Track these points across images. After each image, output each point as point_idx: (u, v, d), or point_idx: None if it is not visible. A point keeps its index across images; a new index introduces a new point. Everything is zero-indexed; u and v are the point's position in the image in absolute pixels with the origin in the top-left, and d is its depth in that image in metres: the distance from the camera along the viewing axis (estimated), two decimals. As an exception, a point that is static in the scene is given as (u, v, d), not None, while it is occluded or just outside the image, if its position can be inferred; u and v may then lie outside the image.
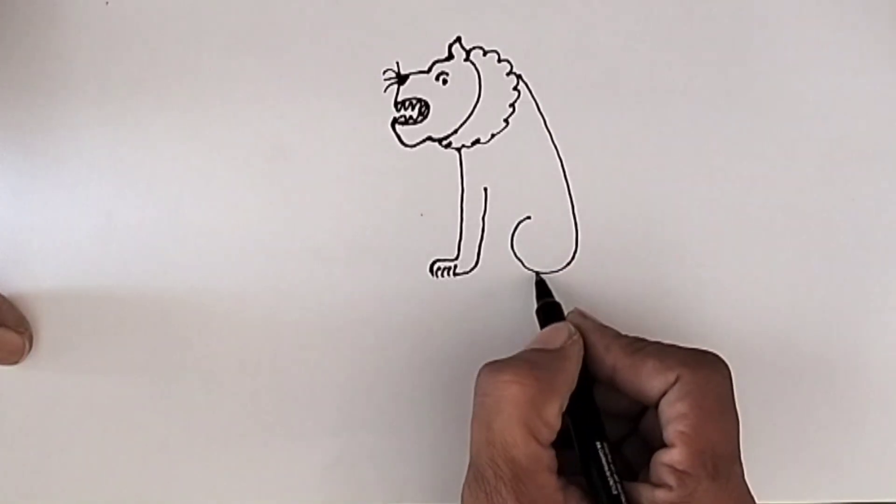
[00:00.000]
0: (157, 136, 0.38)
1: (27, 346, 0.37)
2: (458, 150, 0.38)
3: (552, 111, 0.38)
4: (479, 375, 0.33)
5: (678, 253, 0.39)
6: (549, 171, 0.38)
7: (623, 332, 0.35)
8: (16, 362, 0.37)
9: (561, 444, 0.32)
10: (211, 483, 0.38)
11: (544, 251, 0.38)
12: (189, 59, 0.38)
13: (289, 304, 0.38)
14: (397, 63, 0.38)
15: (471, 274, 0.38)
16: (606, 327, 0.35)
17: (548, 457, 0.32)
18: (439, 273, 0.38)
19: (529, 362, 0.32)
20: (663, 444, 0.32)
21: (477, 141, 0.38)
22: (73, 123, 0.38)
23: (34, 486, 0.38)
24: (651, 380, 0.33)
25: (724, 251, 0.39)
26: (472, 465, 0.32)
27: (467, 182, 0.38)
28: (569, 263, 0.38)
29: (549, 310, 0.36)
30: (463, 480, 0.32)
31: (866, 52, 0.39)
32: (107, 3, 0.38)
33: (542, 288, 0.37)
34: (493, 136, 0.38)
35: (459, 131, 0.38)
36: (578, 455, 0.33)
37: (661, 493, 0.31)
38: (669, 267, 0.38)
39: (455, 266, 0.38)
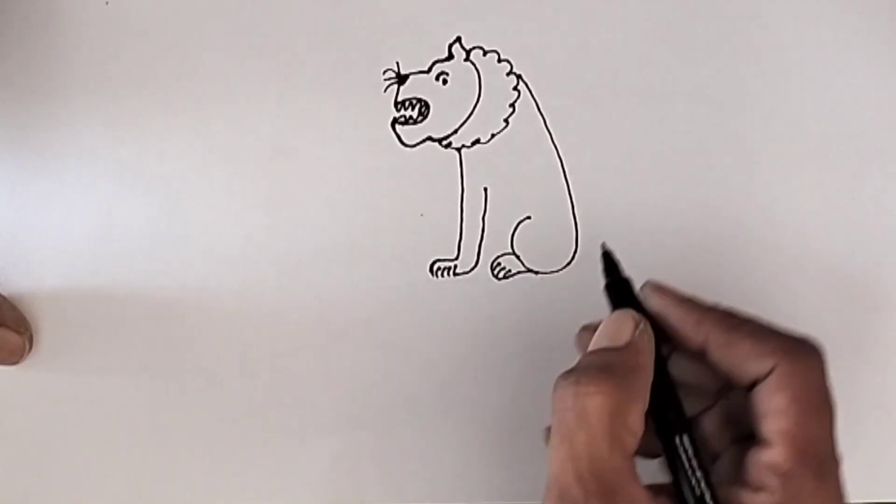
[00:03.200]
0: (157, 136, 0.38)
1: (27, 346, 0.37)
2: (458, 150, 0.38)
3: (552, 111, 0.38)
4: (555, 388, 0.31)
5: (678, 253, 0.39)
6: (549, 171, 0.38)
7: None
8: (16, 362, 0.37)
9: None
10: (211, 483, 0.38)
11: (544, 251, 0.38)
12: (189, 59, 0.38)
13: (289, 304, 0.38)
14: (397, 63, 0.38)
15: (471, 274, 0.38)
16: (690, 299, 0.33)
17: (634, 468, 0.30)
18: (439, 273, 0.38)
19: (607, 368, 0.30)
20: (751, 435, 0.30)
21: (477, 141, 0.38)
22: (73, 123, 0.38)
23: (34, 486, 0.38)
24: (746, 363, 0.31)
25: (723, 251, 0.39)
26: (556, 484, 0.29)
27: (467, 182, 0.38)
28: (569, 263, 0.38)
29: (618, 288, 0.34)
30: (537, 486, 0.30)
31: (866, 52, 0.39)
32: (107, 3, 0.38)
33: (609, 262, 0.35)
34: (493, 136, 0.38)
35: (459, 131, 0.38)
36: (663, 452, 0.31)
37: (763, 497, 0.29)
38: (669, 267, 0.38)
39: (455, 266, 0.38)
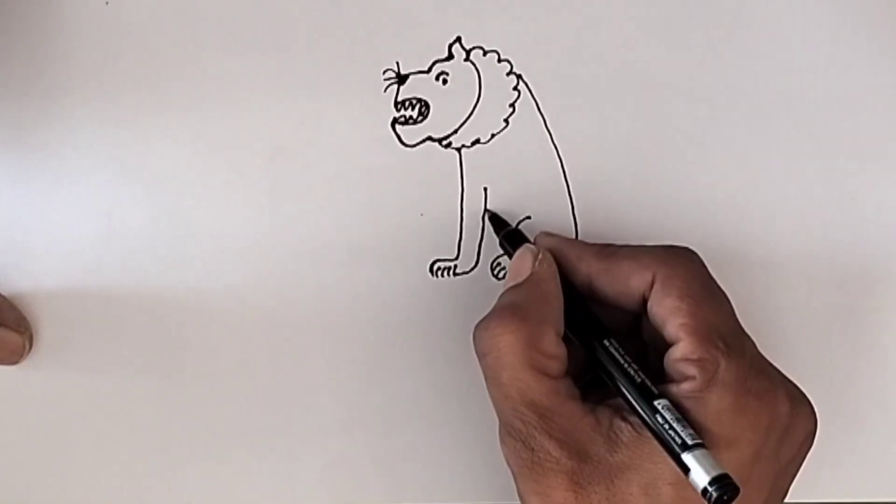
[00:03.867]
0: (157, 136, 0.38)
1: (27, 345, 0.37)
2: (458, 150, 0.38)
3: (552, 111, 0.38)
4: (473, 338, 0.33)
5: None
6: (549, 171, 0.38)
7: None
8: (16, 362, 0.37)
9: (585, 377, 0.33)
10: (211, 483, 0.38)
11: (544, 251, 0.38)
12: (189, 59, 0.38)
13: (289, 304, 0.38)
14: (397, 63, 0.38)
15: (471, 274, 0.38)
16: (575, 240, 0.36)
17: (565, 386, 0.32)
18: (439, 273, 0.38)
19: (511, 306, 0.33)
20: (666, 346, 0.32)
21: (477, 141, 0.38)
22: (73, 123, 0.38)
23: (34, 486, 0.38)
24: (629, 280, 0.33)
25: (723, 250, 0.39)
26: (502, 426, 0.32)
27: (467, 182, 0.38)
28: (569, 263, 0.38)
29: (511, 239, 0.36)
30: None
31: (866, 52, 0.39)
32: (107, 3, 0.38)
33: (496, 221, 0.37)
34: (493, 136, 0.38)
35: (459, 131, 0.38)
36: (594, 363, 0.33)
37: (685, 385, 0.31)
38: (669, 267, 0.38)
39: (455, 266, 0.38)
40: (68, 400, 0.38)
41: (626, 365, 0.32)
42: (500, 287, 0.38)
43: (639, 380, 0.31)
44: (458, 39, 0.38)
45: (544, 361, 0.32)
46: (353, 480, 0.38)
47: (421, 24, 0.38)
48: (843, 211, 0.39)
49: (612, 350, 0.32)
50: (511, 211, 0.38)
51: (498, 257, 0.38)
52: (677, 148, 0.39)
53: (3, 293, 0.37)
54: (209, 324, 0.38)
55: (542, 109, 0.38)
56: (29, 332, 0.37)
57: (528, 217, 0.38)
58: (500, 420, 0.32)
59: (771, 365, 0.33)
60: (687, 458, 0.29)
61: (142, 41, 0.38)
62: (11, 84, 0.38)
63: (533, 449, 0.31)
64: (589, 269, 0.34)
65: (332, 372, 0.38)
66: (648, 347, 0.35)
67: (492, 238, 0.38)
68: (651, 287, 0.33)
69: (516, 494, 0.32)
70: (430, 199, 0.38)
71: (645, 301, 0.33)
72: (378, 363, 0.38)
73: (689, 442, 0.29)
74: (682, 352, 0.31)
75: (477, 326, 0.33)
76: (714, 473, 0.28)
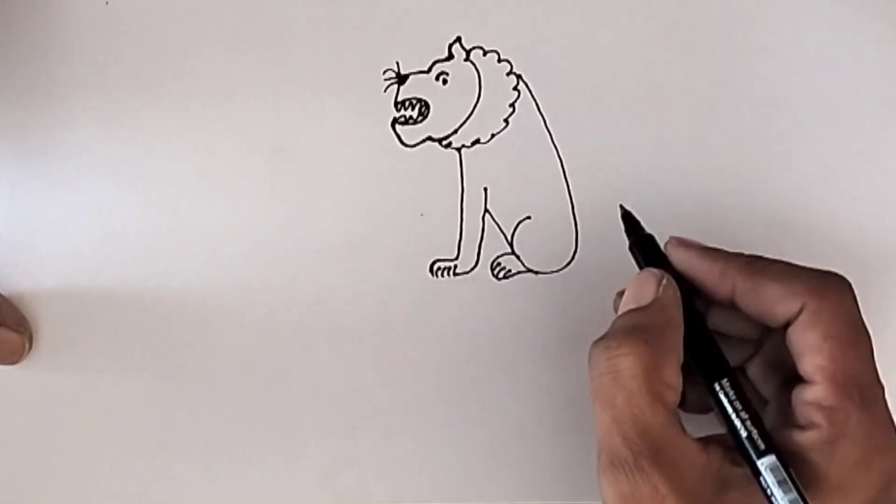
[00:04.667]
0: (157, 136, 0.38)
1: (27, 345, 0.37)
2: (458, 150, 0.38)
3: (552, 111, 0.38)
4: (590, 357, 0.31)
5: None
6: (549, 171, 0.38)
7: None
8: (16, 362, 0.37)
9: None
10: (211, 483, 0.38)
11: (544, 251, 0.38)
12: (189, 59, 0.38)
13: (289, 304, 0.38)
14: (397, 63, 0.38)
15: (471, 274, 0.38)
16: (714, 249, 0.33)
17: (678, 420, 0.30)
18: (439, 273, 0.38)
19: (635, 328, 0.31)
20: (797, 376, 0.31)
21: (477, 141, 0.38)
22: (73, 123, 0.38)
23: (34, 486, 0.38)
24: (774, 306, 0.31)
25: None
26: (604, 450, 0.30)
27: (467, 182, 0.38)
28: (569, 263, 0.38)
29: (642, 245, 0.35)
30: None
31: (866, 52, 0.39)
32: (107, 3, 0.38)
33: (630, 221, 0.35)
34: (493, 136, 0.38)
35: (459, 131, 0.38)
36: (712, 401, 0.32)
37: (812, 434, 0.30)
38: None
39: (455, 266, 0.38)
40: (68, 400, 0.38)
41: (733, 414, 0.30)
42: (500, 287, 0.38)
43: (745, 433, 0.30)
44: (458, 39, 0.38)
45: (664, 390, 0.30)
46: (353, 480, 0.38)
47: (421, 24, 0.38)
48: (843, 211, 0.39)
49: (723, 395, 0.31)
50: (511, 211, 0.38)
51: (498, 257, 0.38)
52: (677, 148, 0.39)
53: (3, 293, 0.37)
54: (209, 324, 0.38)
55: (542, 109, 0.38)
56: (29, 332, 0.37)
57: (529, 217, 0.38)
58: (602, 446, 0.30)
59: (892, 418, 0.31)
60: None
61: (142, 41, 0.38)
62: (11, 84, 0.38)
63: (638, 483, 0.29)
64: (734, 286, 0.32)
65: (332, 372, 0.38)
66: (771, 362, 0.34)
67: (492, 238, 0.38)
68: (797, 316, 0.31)
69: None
70: (430, 199, 0.38)
71: (785, 325, 0.31)
72: (378, 363, 0.38)
73: None
74: (814, 395, 0.30)
75: (594, 344, 0.31)
76: None
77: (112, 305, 0.38)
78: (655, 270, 0.33)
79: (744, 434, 0.30)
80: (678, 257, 0.34)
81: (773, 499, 0.29)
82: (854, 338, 0.31)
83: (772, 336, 0.34)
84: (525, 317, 0.38)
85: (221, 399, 0.38)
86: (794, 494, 0.29)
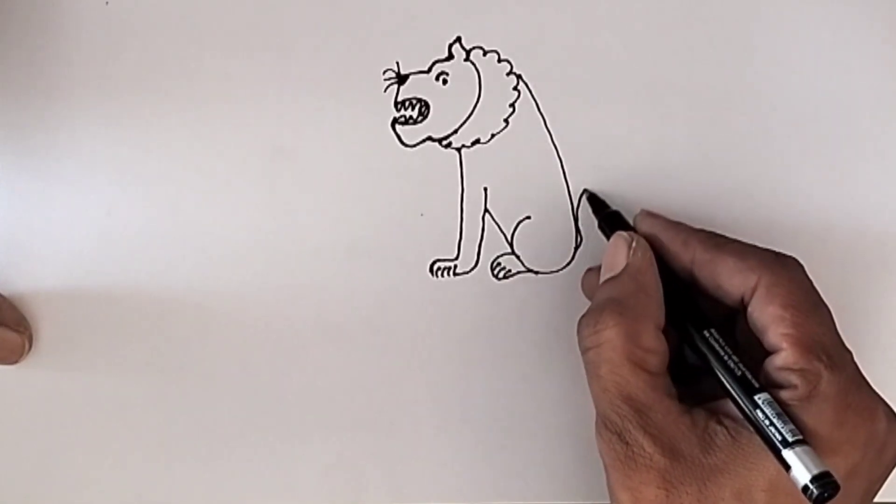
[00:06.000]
0: (157, 136, 0.38)
1: (27, 345, 0.37)
2: (458, 150, 0.38)
3: (552, 111, 0.38)
4: (577, 333, 0.33)
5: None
6: (549, 171, 0.38)
7: None
8: (15, 362, 0.37)
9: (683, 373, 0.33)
10: (211, 483, 0.38)
11: (544, 251, 0.38)
12: (189, 59, 0.38)
13: (289, 304, 0.38)
14: (397, 63, 0.38)
15: (471, 274, 0.38)
16: (679, 223, 0.35)
17: (663, 384, 0.32)
18: (439, 273, 0.38)
19: (610, 302, 0.33)
20: (765, 352, 0.32)
21: (477, 141, 0.38)
22: (73, 123, 0.38)
23: (34, 486, 0.38)
24: (731, 278, 0.33)
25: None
26: (599, 418, 0.32)
27: (467, 182, 0.38)
28: (569, 263, 0.39)
29: (610, 221, 0.36)
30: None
31: (866, 52, 0.39)
32: (107, 3, 0.38)
33: (595, 202, 0.37)
34: (493, 136, 0.38)
35: (459, 131, 0.38)
36: (694, 353, 0.33)
37: (786, 393, 0.31)
38: (669, 267, 0.38)
39: (455, 266, 0.38)
40: (68, 400, 0.38)
41: (726, 357, 0.32)
42: (500, 287, 0.38)
43: (739, 373, 0.31)
44: (458, 39, 0.38)
45: (643, 356, 0.32)
46: (354, 480, 0.38)
47: (421, 24, 0.38)
48: (843, 211, 0.39)
49: (713, 341, 0.32)
50: (511, 211, 0.38)
51: (498, 257, 0.38)
52: (677, 148, 0.39)
53: (3, 293, 0.37)
54: (209, 324, 0.38)
55: (542, 109, 0.38)
56: (29, 332, 0.37)
57: (528, 217, 0.38)
58: (597, 412, 0.33)
59: (867, 381, 0.32)
60: (788, 454, 0.29)
61: (142, 41, 0.38)
62: (11, 84, 0.38)
63: (627, 443, 0.31)
64: (693, 257, 0.34)
65: (331, 372, 0.38)
66: (740, 346, 0.34)
67: (492, 238, 0.38)
68: (753, 291, 0.32)
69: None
70: (430, 199, 0.38)
71: (742, 301, 0.33)
72: (378, 363, 0.38)
73: (790, 438, 0.29)
74: (784, 361, 0.31)
75: (579, 322, 0.33)
76: (815, 471, 0.28)
77: (112, 305, 0.38)
78: (625, 234, 0.35)
79: (738, 374, 0.31)
80: (645, 226, 0.35)
81: (771, 430, 0.29)
82: (812, 305, 0.32)
83: (735, 324, 0.35)
84: (525, 317, 0.38)
85: (221, 399, 0.38)
86: (793, 425, 0.29)
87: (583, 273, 0.38)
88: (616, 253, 0.34)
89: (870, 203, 0.39)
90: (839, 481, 0.28)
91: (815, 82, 0.39)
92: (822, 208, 0.39)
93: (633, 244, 0.34)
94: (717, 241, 0.34)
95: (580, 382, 0.38)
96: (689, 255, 0.34)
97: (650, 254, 0.34)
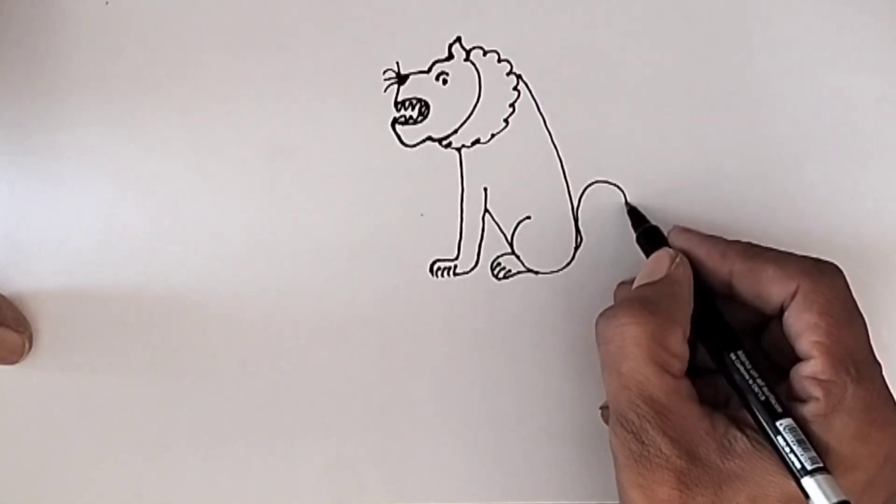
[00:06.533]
0: (157, 136, 0.38)
1: (27, 345, 0.37)
2: (458, 150, 0.38)
3: (552, 111, 0.38)
4: (596, 326, 0.33)
5: (678, 253, 0.39)
6: (549, 171, 0.38)
7: None
8: (15, 362, 0.37)
9: (701, 375, 0.33)
10: (211, 483, 0.38)
11: (544, 251, 0.38)
12: (189, 59, 0.38)
13: (289, 304, 0.38)
14: (397, 63, 0.38)
15: (471, 274, 0.38)
16: (715, 237, 0.35)
17: (685, 387, 0.32)
18: (439, 273, 0.38)
19: (641, 299, 0.33)
20: (796, 358, 0.32)
21: (477, 141, 0.38)
22: (73, 123, 0.38)
23: (34, 486, 0.38)
24: (771, 287, 0.33)
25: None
26: (614, 415, 0.32)
27: (467, 182, 0.38)
28: (569, 263, 0.39)
29: (649, 236, 0.36)
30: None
31: (866, 52, 0.39)
32: (107, 2, 0.38)
33: (635, 215, 0.37)
34: (493, 136, 0.38)
35: (459, 131, 0.38)
36: (721, 372, 0.33)
37: (810, 407, 0.31)
38: (669, 267, 0.38)
39: (455, 266, 0.38)
40: (68, 400, 0.38)
41: (751, 381, 0.32)
42: (500, 287, 0.38)
43: (763, 397, 0.31)
44: (458, 39, 0.38)
45: (668, 358, 0.31)
46: (353, 480, 0.38)
47: (421, 24, 0.38)
48: (843, 210, 0.39)
49: (739, 364, 0.32)
50: (511, 211, 0.38)
51: (498, 257, 0.38)
52: (677, 148, 0.39)
53: (3, 293, 0.37)
54: (209, 324, 0.38)
55: (542, 109, 0.38)
56: (29, 332, 0.37)
57: (528, 217, 0.38)
58: (612, 409, 0.32)
59: (892, 396, 0.32)
60: (807, 482, 0.29)
61: (142, 41, 0.38)
62: (12, 84, 0.38)
63: (644, 443, 0.31)
64: (732, 268, 0.34)
65: (331, 372, 0.38)
66: (771, 352, 0.35)
67: (492, 238, 0.38)
68: (792, 298, 0.32)
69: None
70: (430, 199, 0.38)
71: (781, 309, 0.33)
72: (378, 363, 0.38)
73: (809, 466, 0.29)
74: (811, 370, 0.31)
75: (601, 314, 0.33)
76: (834, 500, 0.28)
77: (112, 305, 0.38)
78: (671, 250, 0.35)
79: (762, 398, 0.31)
80: (681, 242, 0.35)
81: (791, 457, 0.30)
82: (849, 316, 0.32)
83: (768, 328, 0.35)
84: (525, 317, 0.38)
85: (221, 399, 0.38)
86: (813, 452, 0.30)
87: (615, 286, 0.37)
88: (658, 264, 0.34)
89: (870, 202, 0.39)
90: (857, 496, 0.28)
91: (815, 81, 0.39)
92: (822, 207, 0.39)
93: (678, 259, 0.34)
94: (755, 251, 0.34)
95: (580, 382, 0.38)
96: (727, 267, 0.34)
97: (690, 271, 0.34)
